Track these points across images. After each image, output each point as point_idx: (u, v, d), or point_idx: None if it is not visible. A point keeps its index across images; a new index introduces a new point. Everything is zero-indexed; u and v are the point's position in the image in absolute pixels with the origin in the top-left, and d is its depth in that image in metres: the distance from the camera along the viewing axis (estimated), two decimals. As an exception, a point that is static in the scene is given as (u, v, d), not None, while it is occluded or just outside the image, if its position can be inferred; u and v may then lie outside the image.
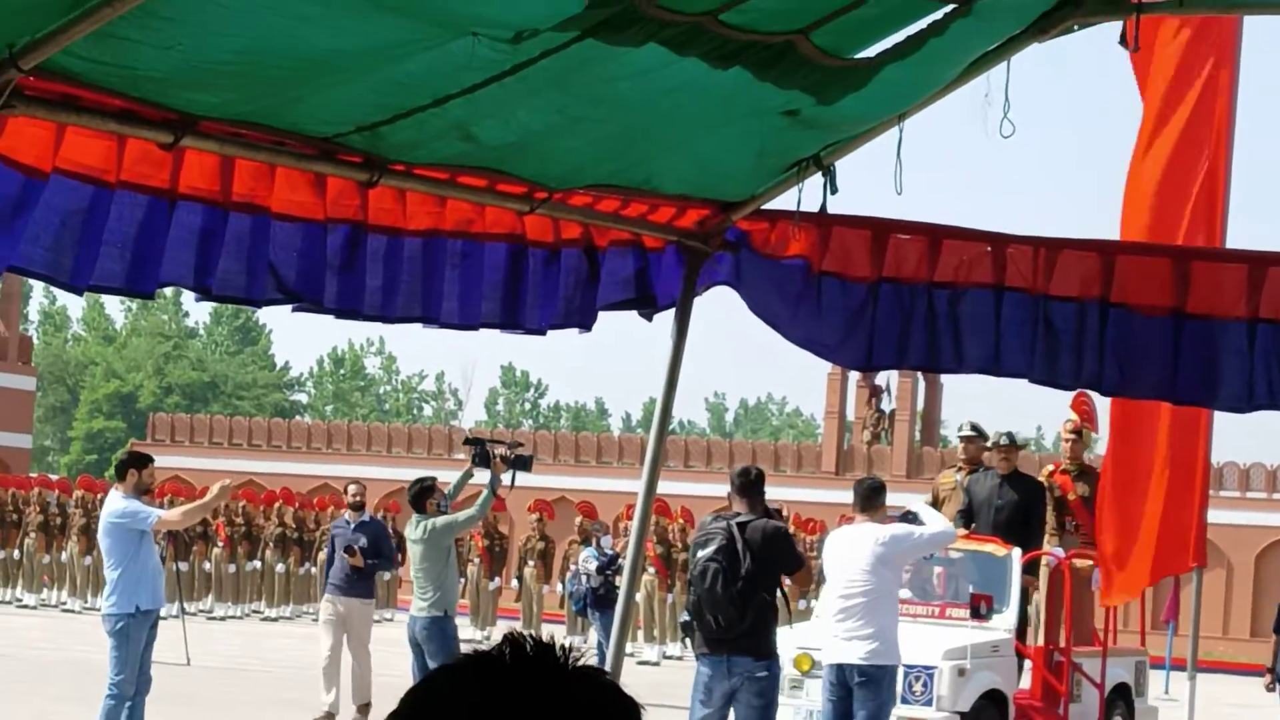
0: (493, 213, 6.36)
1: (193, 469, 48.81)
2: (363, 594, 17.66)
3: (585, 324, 6.83)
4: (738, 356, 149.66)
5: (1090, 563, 15.74)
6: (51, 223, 5.08)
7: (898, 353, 6.98)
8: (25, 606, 35.74)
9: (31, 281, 68.35)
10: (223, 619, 34.69)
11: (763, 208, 6.94)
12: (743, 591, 11.06)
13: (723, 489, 14.84)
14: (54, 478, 45.93)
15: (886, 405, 54.15)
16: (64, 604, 35.79)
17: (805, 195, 6.82)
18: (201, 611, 34.18)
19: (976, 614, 15.24)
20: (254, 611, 36.36)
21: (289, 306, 5.84)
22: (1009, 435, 16.70)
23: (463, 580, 36.57)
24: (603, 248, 6.82)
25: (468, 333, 6.47)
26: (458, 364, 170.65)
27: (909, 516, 12.94)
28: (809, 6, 5.27)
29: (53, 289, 77.51)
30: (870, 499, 12.55)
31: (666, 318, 7.22)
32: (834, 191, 6.75)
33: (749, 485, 11.52)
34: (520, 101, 5.46)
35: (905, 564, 13.69)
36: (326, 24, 4.65)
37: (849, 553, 12.25)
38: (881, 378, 53.16)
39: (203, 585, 35.58)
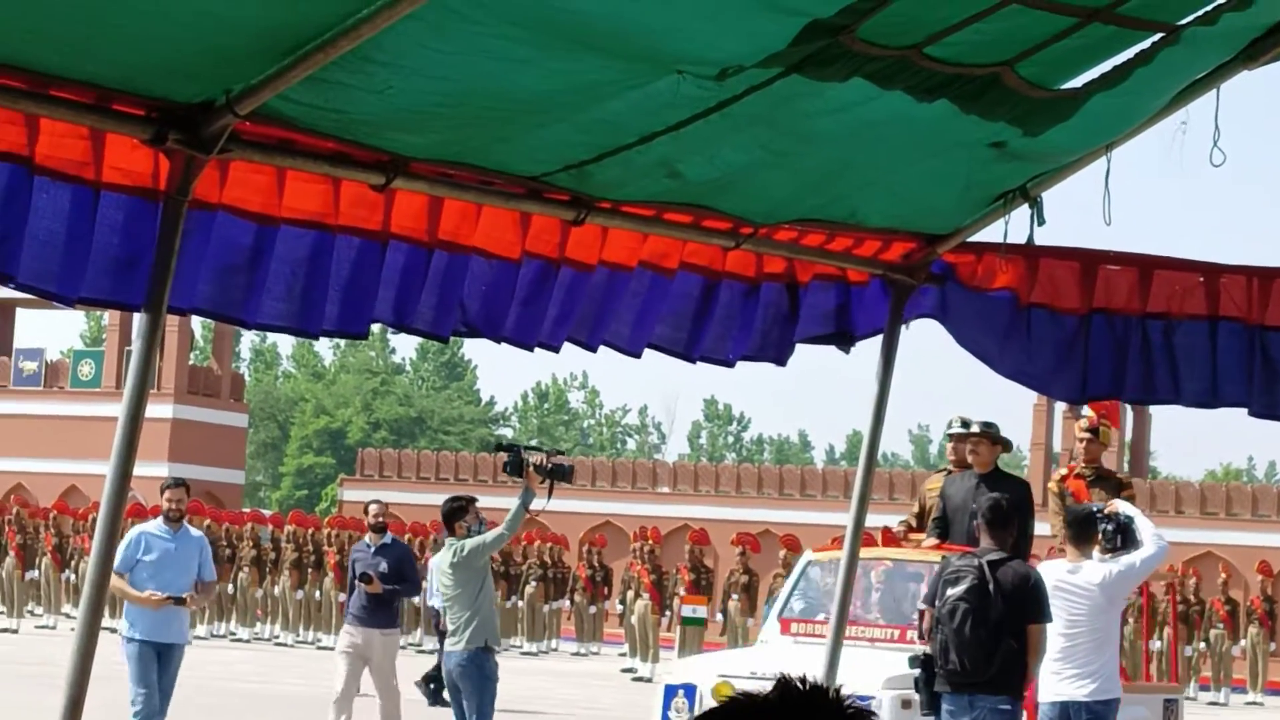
0: (692, 247, 6.39)
1: (401, 504, 49.37)
2: (384, 624, 15.99)
3: (780, 358, 6.84)
4: (941, 388, 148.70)
5: None
6: (284, 273, 5.22)
7: (1114, 385, 6.92)
8: (239, 640, 36.32)
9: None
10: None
11: (969, 240, 6.91)
12: (992, 635, 10.83)
13: (921, 522, 14.69)
14: (266, 513, 46.72)
15: (1094, 436, 53.47)
16: (277, 638, 36.32)
17: (1012, 227, 6.78)
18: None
19: (926, 636, 12.88)
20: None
21: (483, 341, 5.92)
22: (985, 424, 14.22)
23: (668, 614, 36.73)
24: (805, 282, 6.82)
25: (635, 358, 6.47)
26: (660, 398, 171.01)
27: (1123, 527, 12.42)
28: (1015, 38, 5.25)
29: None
30: (1083, 531, 12.13)
31: (865, 350, 7.21)
32: (1041, 223, 6.70)
33: (1000, 520, 11.14)
34: (724, 138, 5.49)
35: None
36: (536, 66, 4.71)
37: (1070, 591, 11.95)
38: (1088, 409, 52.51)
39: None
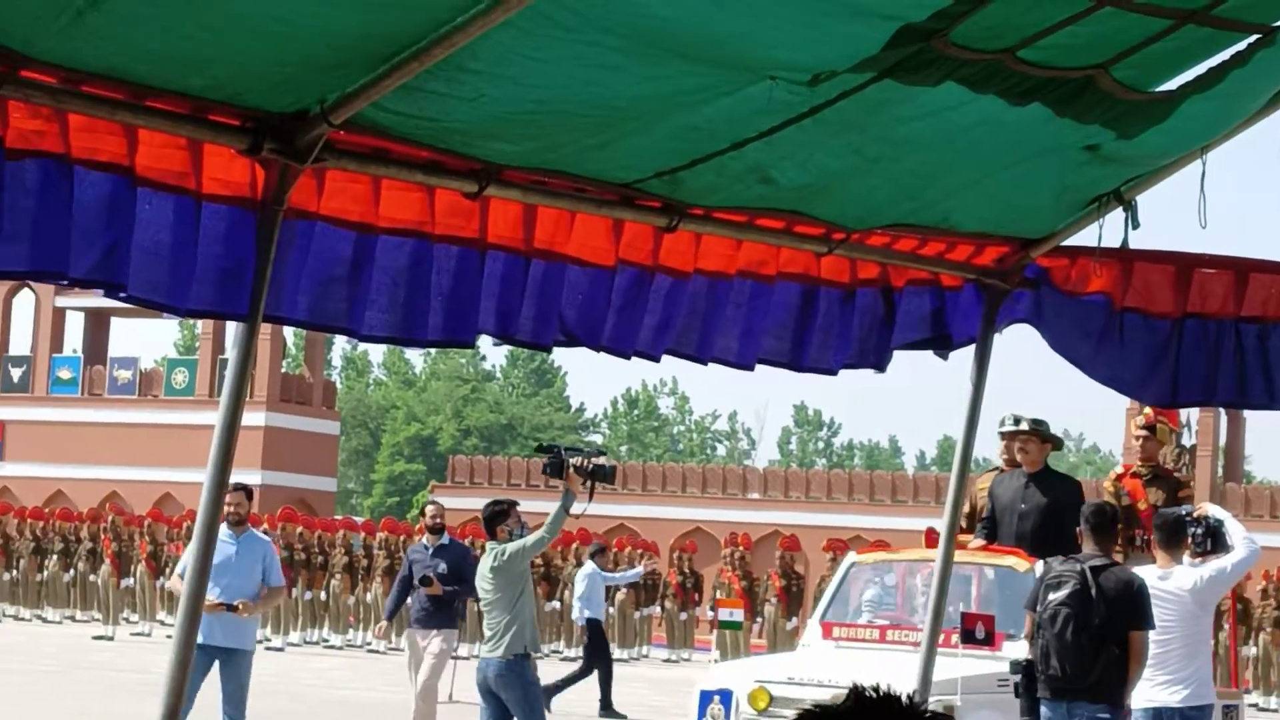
0: (787, 254, 6.38)
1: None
2: (444, 624, 16.00)
3: (879, 364, 6.82)
4: (1032, 392, 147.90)
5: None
6: (385, 283, 5.24)
7: (1205, 389, 6.86)
8: (331, 647, 36.49)
9: (334, 328, 69.72)
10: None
11: (1063, 244, 6.87)
12: (1093, 641, 10.68)
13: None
14: (358, 520, 46.91)
15: (1187, 440, 53.10)
16: (369, 644, 36.47)
17: (1106, 230, 6.73)
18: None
19: (970, 639, 12.25)
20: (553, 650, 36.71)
21: (579, 349, 5.93)
22: (1034, 421, 13.54)
23: (760, 620, 36.70)
24: (899, 287, 6.80)
25: (748, 371, 6.47)
26: (750, 404, 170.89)
27: (1213, 530, 12.19)
28: (1109, 41, 5.22)
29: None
30: (1173, 535, 11.97)
31: (960, 355, 7.18)
32: (1135, 226, 6.66)
33: (1104, 525, 10.97)
34: (817, 143, 5.48)
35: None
36: (628, 73, 4.71)
37: (1161, 597, 11.80)
38: (1183, 413, 52.16)
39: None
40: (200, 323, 63.15)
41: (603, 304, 5.79)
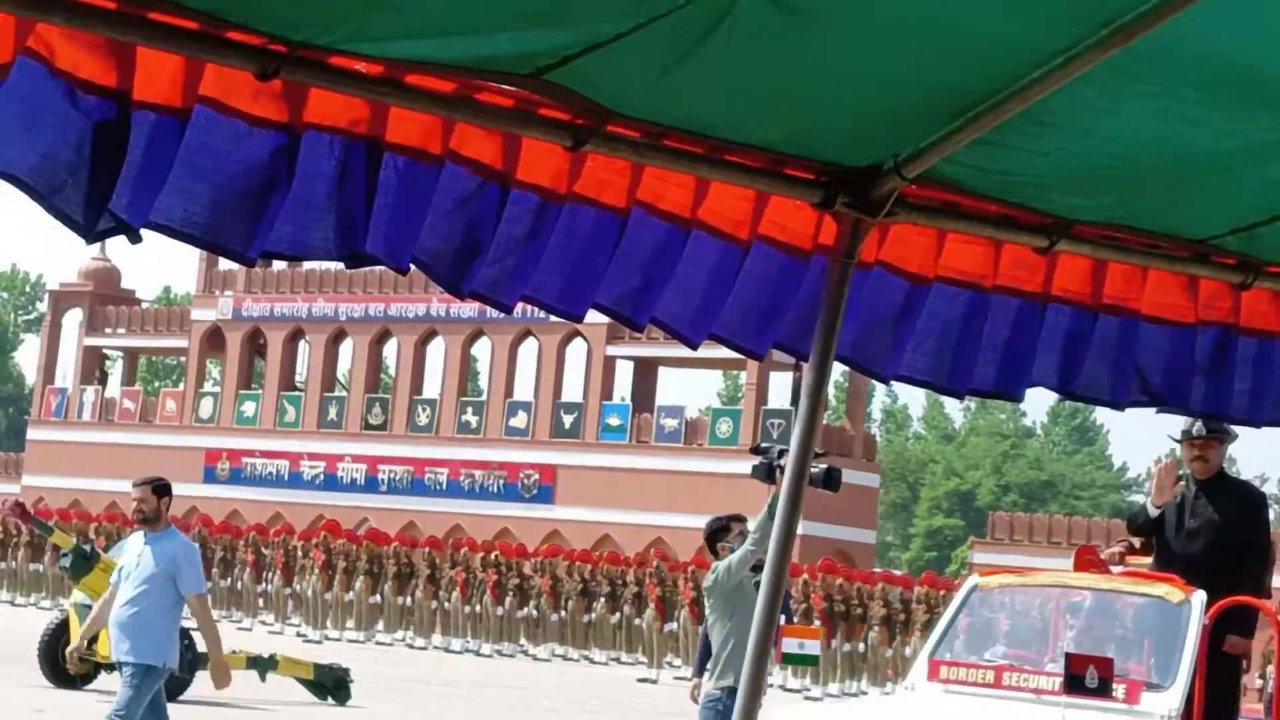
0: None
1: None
2: None
3: None
4: None
5: None
6: (933, 330, 5.24)
7: None
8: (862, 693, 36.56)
9: (873, 381, 70.17)
10: None
11: None
12: None
13: None
14: (897, 573, 46.90)
15: None
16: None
17: None
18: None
19: (1077, 687, 9.86)
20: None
21: (1151, 410, 5.80)
22: (1207, 424, 10.80)
23: None
24: None
25: None
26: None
27: None
28: None
29: (896, 386, 79.62)
30: None
31: None
32: None
33: None
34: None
35: None
36: (1209, 126, 4.60)
37: None
38: None
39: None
40: (744, 374, 64.13)
41: (1186, 364, 5.66)
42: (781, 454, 11.80)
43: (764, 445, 12.45)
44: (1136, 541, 11.60)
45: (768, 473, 12.02)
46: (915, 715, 11.23)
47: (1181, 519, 11.00)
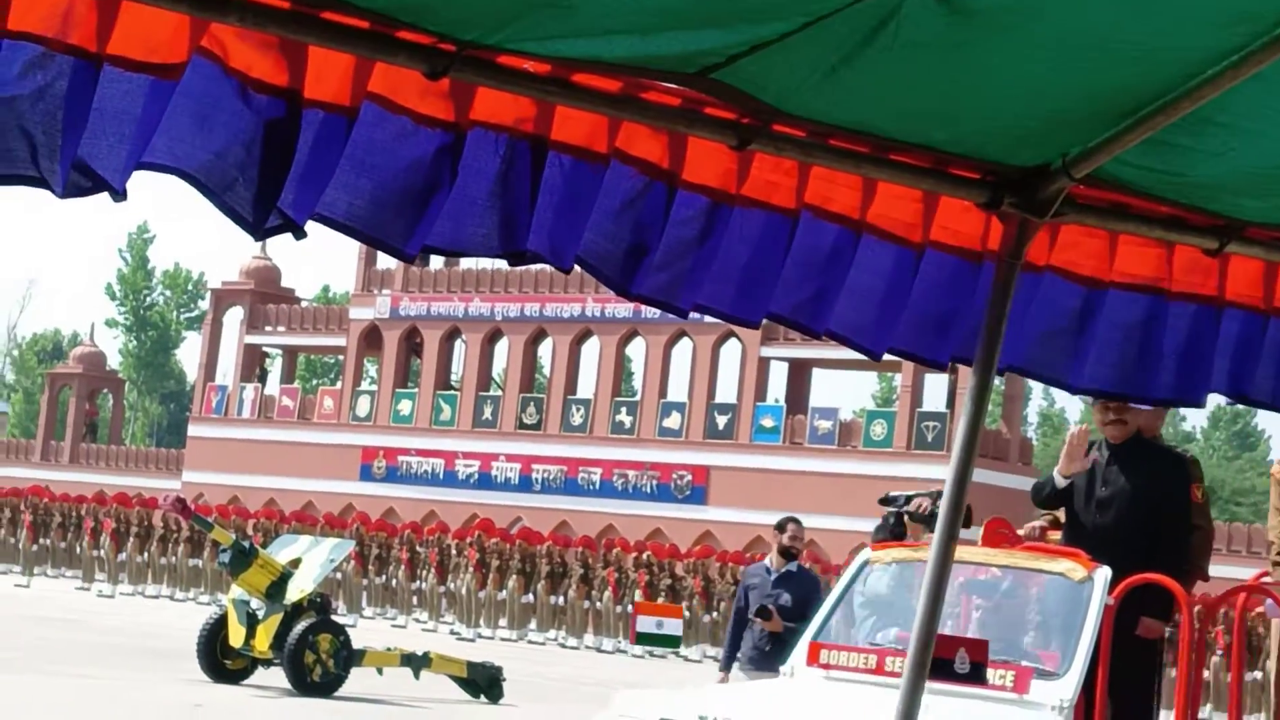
0: None
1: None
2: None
3: None
4: None
5: None
6: (1114, 339, 5.19)
7: None
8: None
9: (1030, 383, 69.71)
10: None
11: None
12: None
13: None
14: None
15: None
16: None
17: None
18: None
19: (945, 673, 7.00)
20: None
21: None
22: None
23: None
24: None
25: None
26: None
27: None
28: None
29: (1052, 390, 78.87)
30: None
31: None
32: None
33: None
34: None
35: None
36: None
37: None
38: None
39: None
40: (899, 375, 63.84)
41: None
42: (909, 500, 11.15)
43: (892, 495, 11.42)
44: (1061, 515, 10.30)
45: (894, 529, 10.97)
46: (773, 701, 10.00)
47: (1092, 488, 9.82)
